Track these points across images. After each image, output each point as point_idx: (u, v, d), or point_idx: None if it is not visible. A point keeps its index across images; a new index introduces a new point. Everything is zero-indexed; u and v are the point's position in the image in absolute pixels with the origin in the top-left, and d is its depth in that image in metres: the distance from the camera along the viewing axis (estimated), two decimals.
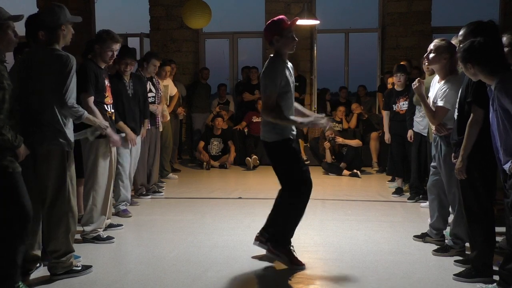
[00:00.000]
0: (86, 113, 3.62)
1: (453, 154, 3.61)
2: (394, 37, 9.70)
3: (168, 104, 7.29)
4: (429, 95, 4.24)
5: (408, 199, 6.04)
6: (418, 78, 4.30)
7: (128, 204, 5.41)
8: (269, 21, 3.81)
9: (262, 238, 3.91)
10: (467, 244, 3.87)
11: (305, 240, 4.48)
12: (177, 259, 3.98)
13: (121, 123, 5.04)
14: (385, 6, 9.80)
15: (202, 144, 8.69)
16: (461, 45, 3.28)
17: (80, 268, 3.60)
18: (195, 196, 6.36)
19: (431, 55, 4.03)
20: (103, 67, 4.43)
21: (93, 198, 4.37)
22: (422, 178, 5.96)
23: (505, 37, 3.48)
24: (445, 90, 3.95)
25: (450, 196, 4.06)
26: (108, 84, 4.54)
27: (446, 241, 4.20)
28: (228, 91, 10.18)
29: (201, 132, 9.15)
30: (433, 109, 4.05)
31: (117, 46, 4.37)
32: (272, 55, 3.83)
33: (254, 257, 3.94)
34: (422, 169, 5.86)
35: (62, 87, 3.32)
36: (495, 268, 3.41)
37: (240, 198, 6.23)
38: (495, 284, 3.27)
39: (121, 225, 4.86)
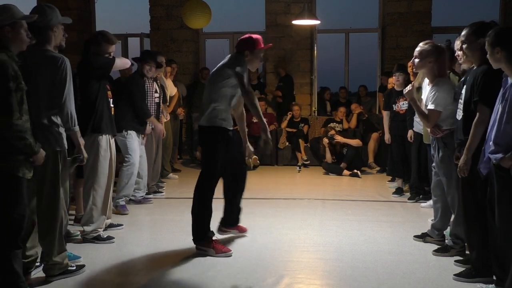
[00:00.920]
0: (76, 129, 3.52)
1: (455, 154, 3.60)
2: (394, 37, 9.70)
3: (168, 104, 7.29)
4: (422, 97, 4.24)
5: (408, 199, 6.04)
6: (412, 83, 4.30)
7: (127, 199, 5.50)
8: (247, 35, 4.08)
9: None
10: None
11: (305, 240, 4.49)
12: (177, 259, 3.98)
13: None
14: (385, 6, 9.80)
15: None
16: (490, 32, 3.13)
17: (74, 268, 3.60)
18: None
19: (416, 61, 4.04)
20: None
21: (93, 198, 4.37)
22: (422, 178, 5.95)
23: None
24: (435, 93, 3.95)
25: (449, 197, 4.06)
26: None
27: (446, 241, 4.20)
28: None
29: None
30: (426, 112, 4.05)
31: (113, 48, 4.39)
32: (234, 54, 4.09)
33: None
34: (422, 169, 5.86)
35: (57, 88, 3.31)
36: None
37: None
38: (493, 284, 3.27)
39: (121, 225, 4.87)
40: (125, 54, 10.42)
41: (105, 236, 4.41)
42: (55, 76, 3.31)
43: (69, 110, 3.41)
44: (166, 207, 5.83)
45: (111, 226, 4.74)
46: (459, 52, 3.60)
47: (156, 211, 5.60)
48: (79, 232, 4.50)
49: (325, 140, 8.18)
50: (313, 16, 8.56)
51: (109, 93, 4.51)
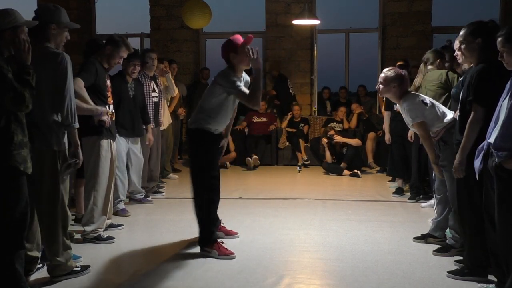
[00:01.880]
0: (75, 125, 3.45)
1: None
2: (394, 37, 9.70)
3: (168, 104, 7.29)
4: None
5: (409, 199, 6.04)
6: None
7: (121, 200, 5.38)
8: (226, 40, 4.03)
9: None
10: None
11: (305, 240, 4.49)
12: (177, 259, 3.99)
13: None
14: (385, 6, 9.80)
15: None
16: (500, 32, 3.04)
17: (79, 268, 3.60)
18: None
19: (381, 87, 4.08)
20: (106, 68, 4.45)
21: (94, 198, 4.37)
22: (422, 178, 5.96)
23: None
24: (408, 109, 3.96)
25: (450, 193, 4.06)
26: (109, 85, 4.55)
27: (447, 240, 4.20)
28: None
29: None
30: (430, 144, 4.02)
31: (126, 54, 4.49)
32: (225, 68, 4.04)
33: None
34: (422, 169, 5.86)
35: (58, 84, 3.29)
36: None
37: (240, 198, 6.23)
38: (493, 284, 3.27)
39: (121, 225, 4.87)
40: None
41: (105, 236, 4.41)
42: (55, 72, 3.30)
43: (70, 106, 3.38)
44: (166, 207, 5.83)
45: (111, 226, 4.74)
46: (457, 52, 3.60)
47: (156, 211, 5.61)
48: (74, 234, 4.50)
49: (324, 140, 8.19)
50: (313, 16, 8.57)
51: (109, 99, 4.52)
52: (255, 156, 8.52)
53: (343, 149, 8.18)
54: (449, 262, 3.83)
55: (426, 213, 5.36)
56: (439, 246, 4.14)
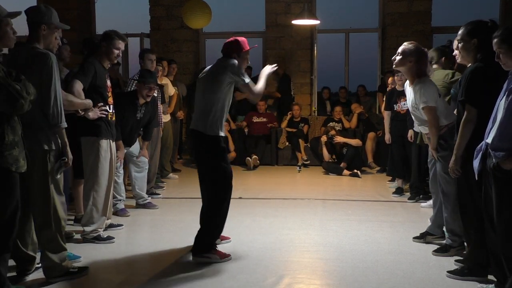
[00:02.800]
0: (63, 125, 3.39)
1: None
2: (394, 37, 9.69)
3: (168, 104, 7.30)
4: (407, 103, 4.23)
5: (409, 199, 6.04)
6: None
7: (121, 200, 5.37)
8: (233, 39, 4.02)
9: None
10: None
11: (305, 240, 4.48)
12: (177, 259, 3.98)
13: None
14: (385, 6, 9.80)
15: None
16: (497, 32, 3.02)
17: (76, 270, 3.55)
18: (196, 196, 6.29)
19: (397, 58, 4.02)
20: (106, 68, 4.44)
21: (93, 198, 4.36)
22: (422, 178, 5.96)
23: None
24: (423, 91, 3.91)
25: (444, 193, 4.06)
26: (109, 84, 4.54)
27: (445, 241, 4.19)
28: None
29: None
30: (427, 130, 4.01)
31: (123, 45, 4.45)
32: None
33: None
34: (422, 169, 5.86)
35: (45, 84, 3.26)
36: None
37: (240, 198, 6.23)
38: (493, 284, 3.27)
39: (121, 225, 4.87)
40: (125, 54, 10.41)
41: (105, 236, 4.40)
42: (42, 72, 3.27)
43: (57, 106, 3.33)
44: (166, 207, 5.82)
45: (111, 226, 4.73)
46: (456, 51, 3.60)
47: (156, 211, 5.60)
48: (74, 234, 4.50)
49: (324, 138, 8.18)
50: (313, 16, 8.56)
51: (110, 99, 4.51)
52: (255, 156, 8.52)
53: (343, 149, 8.18)
54: (449, 262, 3.83)
55: (426, 213, 5.35)
56: (439, 246, 4.14)
